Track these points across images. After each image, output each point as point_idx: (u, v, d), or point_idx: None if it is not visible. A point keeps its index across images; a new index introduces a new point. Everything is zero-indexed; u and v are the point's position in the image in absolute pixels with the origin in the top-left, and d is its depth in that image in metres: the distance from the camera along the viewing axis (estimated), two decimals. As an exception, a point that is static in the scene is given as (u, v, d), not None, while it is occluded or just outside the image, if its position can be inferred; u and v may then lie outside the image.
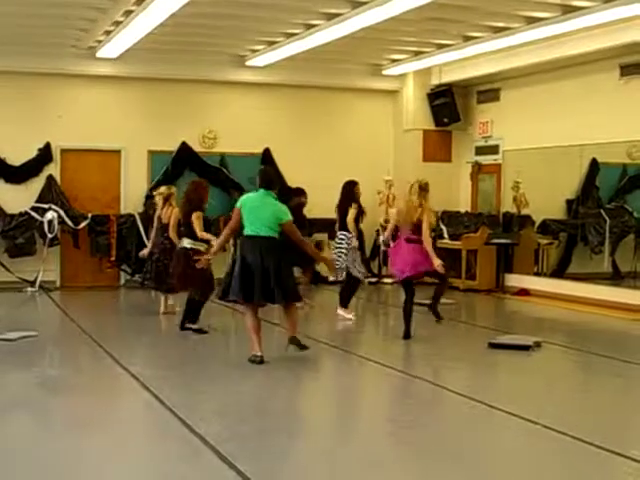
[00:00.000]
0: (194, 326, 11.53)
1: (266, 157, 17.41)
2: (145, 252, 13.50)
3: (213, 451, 6.42)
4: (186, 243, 11.62)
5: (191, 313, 11.62)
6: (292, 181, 16.61)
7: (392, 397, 8.95)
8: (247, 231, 9.64)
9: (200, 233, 11.52)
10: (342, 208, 13.08)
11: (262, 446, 6.72)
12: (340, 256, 12.89)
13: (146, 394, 8.28)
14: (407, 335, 11.18)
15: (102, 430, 7.14)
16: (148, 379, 8.74)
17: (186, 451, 6.59)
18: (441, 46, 15.73)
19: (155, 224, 13.27)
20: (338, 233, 13.07)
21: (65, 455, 6.47)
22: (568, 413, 7.79)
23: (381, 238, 15.88)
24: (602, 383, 9.36)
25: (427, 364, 10.27)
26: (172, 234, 12.65)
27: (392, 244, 11.82)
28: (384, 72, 17.92)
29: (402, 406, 8.47)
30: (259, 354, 9.57)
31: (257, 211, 9.62)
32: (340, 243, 12.98)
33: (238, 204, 9.77)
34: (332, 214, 13.59)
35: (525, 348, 10.54)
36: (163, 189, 13.42)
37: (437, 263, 11.02)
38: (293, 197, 13.91)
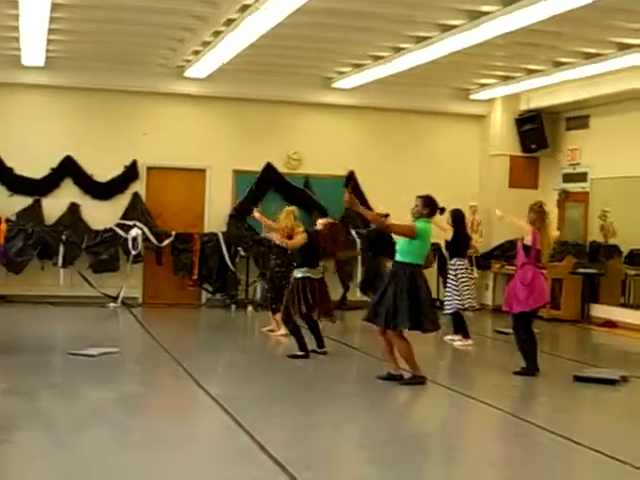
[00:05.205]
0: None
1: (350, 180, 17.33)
2: None
3: (291, 478, 6.29)
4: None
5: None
6: (376, 204, 16.53)
7: (476, 431, 8.73)
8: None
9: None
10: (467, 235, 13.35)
11: (340, 474, 6.61)
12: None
13: (224, 415, 8.20)
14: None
15: (177, 449, 7.07)
16: (227, 400, 8.66)
17: (263, 476, 6.47)
18: (530, 71, 15.55)
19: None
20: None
21: (139, 472, 6.41)
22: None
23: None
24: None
25: (510, 396, 10.02)
26: None
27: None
28: (472, 96, 17.78)
29: (488, 441, 8.30)
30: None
31: None
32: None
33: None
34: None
35: (611, 382, 10.25)
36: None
37: None
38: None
